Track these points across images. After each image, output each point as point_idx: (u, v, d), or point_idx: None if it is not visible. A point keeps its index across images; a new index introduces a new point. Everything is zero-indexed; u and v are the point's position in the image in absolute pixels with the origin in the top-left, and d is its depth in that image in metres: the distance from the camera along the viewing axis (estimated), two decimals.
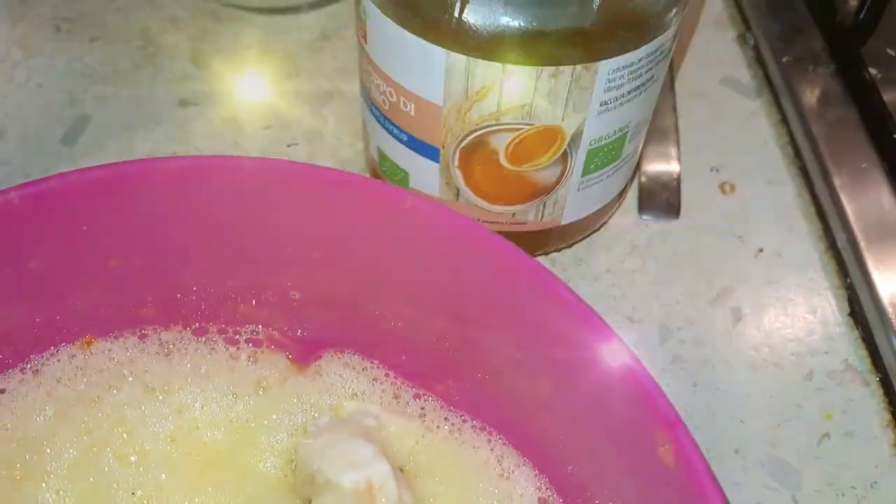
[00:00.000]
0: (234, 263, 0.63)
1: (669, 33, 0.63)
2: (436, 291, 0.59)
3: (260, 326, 0.66)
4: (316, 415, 0.62)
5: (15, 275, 0.60)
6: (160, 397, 0.62)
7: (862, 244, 0.79)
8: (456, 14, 0.56)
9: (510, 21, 0.56)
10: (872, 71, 0.89)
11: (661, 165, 0.88)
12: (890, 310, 0.74)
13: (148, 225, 0.60)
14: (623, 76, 0.62)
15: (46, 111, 0.96)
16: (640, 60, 0.62)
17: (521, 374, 0.58)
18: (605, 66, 0.60)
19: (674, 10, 0.61)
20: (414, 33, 0.59)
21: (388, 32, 0.61)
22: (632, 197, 0.87)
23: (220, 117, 0.95)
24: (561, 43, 0.58)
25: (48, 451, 0.59)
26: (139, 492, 0.58)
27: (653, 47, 0.62)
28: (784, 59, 0.93)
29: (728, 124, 0.92)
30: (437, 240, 0.57)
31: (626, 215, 0.86)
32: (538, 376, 0.57)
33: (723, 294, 0.80)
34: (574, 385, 0.54)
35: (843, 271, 0.80)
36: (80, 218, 0.58)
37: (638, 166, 0.87)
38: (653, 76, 0.65)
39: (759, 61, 0.97)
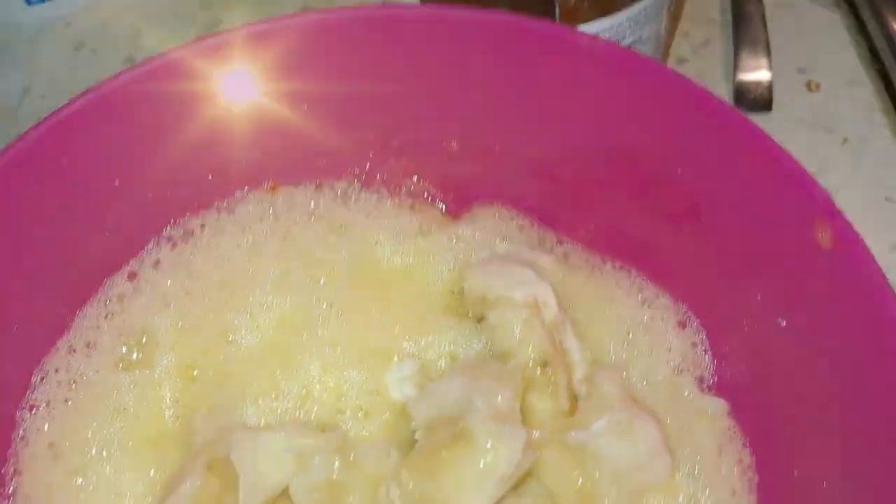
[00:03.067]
0: (399, 117, 0.71)
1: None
2: (585, 140, 0.67)
3: (416, 177, 0.74)
4: (474, 252, 0.71)
5: (213, 125, 0.68)
6: (341, 233, 0.70)
7: None
8: None
9: None
10: None
11: (754, 67, 0.95)
12: None
13: (332, 77, 0.68)
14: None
15: (180, 14, 1.04)
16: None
17: (664, 210, 0.66)
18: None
19: None
20: None
21: None
22: (727, 95, 0.95)
23: None
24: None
25: (251, 271, 0.67)
26: (333, 304, 0.66)
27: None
28: None
29: (813, 33, 1.00)
30: (595, 84, 0.64)
31: None
32: (687, 211, 0.65)
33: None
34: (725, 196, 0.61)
35: None
36: (282, 64, 0.66)
37: (733, 68, 0.95)
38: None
39: None
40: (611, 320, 0.68)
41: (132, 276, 0.68)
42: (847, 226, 0.51)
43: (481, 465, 0.56)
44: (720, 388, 0.65)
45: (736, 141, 0.58)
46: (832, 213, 0.52)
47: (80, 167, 0.64)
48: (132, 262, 0.68)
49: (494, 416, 0.58)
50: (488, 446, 0.56)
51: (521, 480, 0.60)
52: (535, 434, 0.61)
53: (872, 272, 0.50)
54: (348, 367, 0.65)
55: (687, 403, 0.64)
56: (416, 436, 0.60)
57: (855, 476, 0.55)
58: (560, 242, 0.72)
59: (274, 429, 0.59)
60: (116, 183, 0.66)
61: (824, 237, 0.51)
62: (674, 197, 0.64)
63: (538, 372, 0.64)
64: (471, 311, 0.68)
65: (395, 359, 0.66)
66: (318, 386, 0.64)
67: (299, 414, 0.63)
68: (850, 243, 0.51)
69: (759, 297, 0.62)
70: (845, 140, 0.91)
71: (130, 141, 0.66)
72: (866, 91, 0.95)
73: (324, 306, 0.66)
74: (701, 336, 0.67)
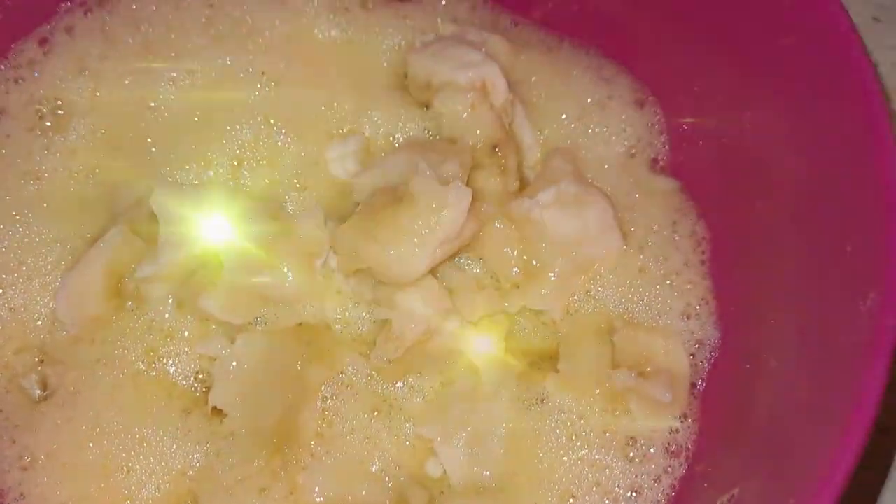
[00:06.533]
0: None
1: None
2: None
3: None
4: (420, 32, 0.65)
5: None
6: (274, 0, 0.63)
7: None
8: None
9: None
10: None
11: None
12: None
13: None
14: None
15: None
16: None
17: None
18: None
19: None
20: None
21: None
22: None
23: None
24: None
25: (173, 37, 0.61)
26: (266, 72, 0.61)
27: None
28: None
29: None
30: None
31: None
32: None
33: None
34: None
35: None
36: None
37: None
38: None
39: None
40: (566, 99, 0.64)
41: (43, 43, 0.62)
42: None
43: (424, 224, 0.52)
44: (674, 168, 0.63)
45: None
46: None
47: None
48: (43, 27, 0.62)
49: (440, 180, 0.54)
50: (432, 205, 0.52)
51: (461, 252, 0.57)
52: (482, 207, 0.57)
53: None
54: (284, 138, 0.60)
55: (640, 182, 0.61)
56: (358, 208, 0.57)
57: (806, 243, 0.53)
58: (515, 24, 0.68)
59: (201, 186, 0.54)
60: None
61: None
62: None
63: (487, 155, 0.61)
64: (416, 97, 0.63)
65: (335, 134, 0.61)
66: (249, 155, 0.60)
67: (230, 185, 0.59)
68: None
69: (722, 76, 0.59)
70: None
71: None
72: None
73: (256, 75, 0.61)
74: (658, 115, 0.63)
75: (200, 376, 0.56)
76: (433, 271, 0.56)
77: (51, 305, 0.56)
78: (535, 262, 0.57)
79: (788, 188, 0.55)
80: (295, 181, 0.60)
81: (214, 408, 0.54)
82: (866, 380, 0.40)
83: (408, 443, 0.55)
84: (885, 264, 0.42)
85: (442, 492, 0.54)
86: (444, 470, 0.54)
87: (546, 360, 0.57)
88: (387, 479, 0.54)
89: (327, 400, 0.55)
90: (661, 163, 0.63)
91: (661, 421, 0.54)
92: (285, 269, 0.55)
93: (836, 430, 0.40)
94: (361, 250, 0.53)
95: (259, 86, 0.61)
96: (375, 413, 0.55)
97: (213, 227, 0.54)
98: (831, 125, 0.51)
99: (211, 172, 0.59)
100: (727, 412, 0.54)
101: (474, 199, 0.56)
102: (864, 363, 0.41)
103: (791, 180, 0.55)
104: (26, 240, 0.57)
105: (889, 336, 0.40)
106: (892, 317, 0.41)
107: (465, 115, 0.60)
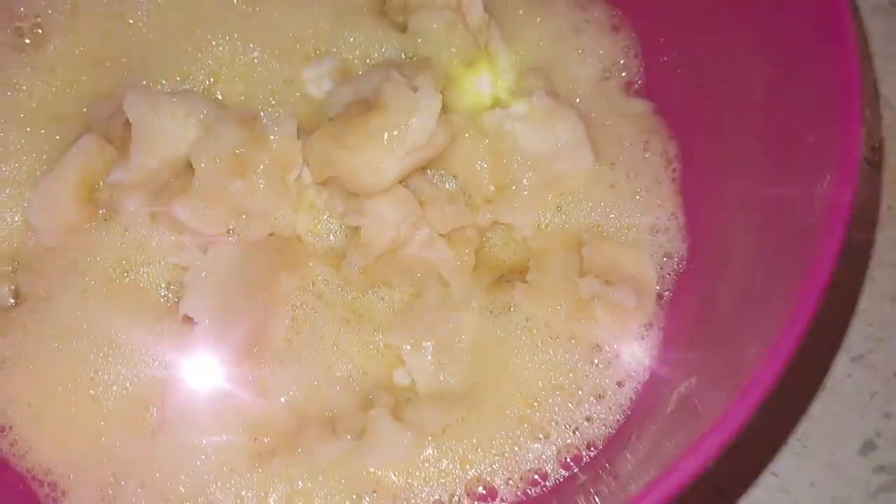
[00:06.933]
0: None
1: None
2: None
3: None
4: None
5: None
6: None
7: None
8: None
9: None
10: None
11: None
12: None
13: None
14: None
15: None
16: None
17: None
18: None
19: None
20: None
21: None
22: None
23: None
24: None
25: None
26: None
27: None
28: None
29: None
30: None
31: None
32: None
33: None
34: None
35: None
36: None
37: None
38: None
39: None
40: (542, 23, 0.64)
41: None
42: None
43: (393, 129, 0.52)
44: (648, 92, 0.63)
45: None
46: None
47: None
48: None
49: (411, 87, 0.55)
50: (402, 111, 0.53)
51: (433, 165, 0.58)
52: (456, 119, 0.57)
53: None
54: (261, 55, 0.61)
55: (613, 104, 0.62)
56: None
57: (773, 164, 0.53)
58: None
59: (176, 93, 0.55)
60: None
61: None
62: None
63: (461, 73, 0.61)
64: (394, 20, 0.63)
65: (312, 55, 0.62)
66: (226, 70, 0.60)
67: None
68: None
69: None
70: None
71: None
72: None
73: None
74: (633, 40, 0.63)
75: (172, 286, 0.56)
76: (404, 184, 0.56)
77: (24, 214, 0.57)
78: (506, 176, 0.58)
79: (757, 101, 0.56)
80: (270, 98, 0.60)
81: (185, 316, 0.55)
82: (822, 245, 0.40)
83: (376, 352, 0.55)
84: (841, 145, 0.42)
85: (409, 398, 0.54)
86: (412, 379, 0.55)
87: (515, 274, 0.57)
88: (354, 384, 0.54)
89: (297, 309, 0.55)
90: (635, 86, 0.63)
91: (626, 328, 0.54)
92: (258, 181, 0.55)
93: (789, 296, 0.41)
94: (332, 157, 0.53)
95: (235, 2, 0.61)
96: (345, 322, 0.55)
97: (186, 133, 0.54)
98: (798, 38, 0.51)
99: (187, 87, 0.59)
100: (691, 320, 0.54)
101: (447, 111, 0.57)
102: (821, 233, 0.41)
103: (759, 94, 0.55)
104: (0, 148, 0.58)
105: (843, 209, 0.41)
106: (847, 193, 0.41)
107: (440, 34, 0.61)
